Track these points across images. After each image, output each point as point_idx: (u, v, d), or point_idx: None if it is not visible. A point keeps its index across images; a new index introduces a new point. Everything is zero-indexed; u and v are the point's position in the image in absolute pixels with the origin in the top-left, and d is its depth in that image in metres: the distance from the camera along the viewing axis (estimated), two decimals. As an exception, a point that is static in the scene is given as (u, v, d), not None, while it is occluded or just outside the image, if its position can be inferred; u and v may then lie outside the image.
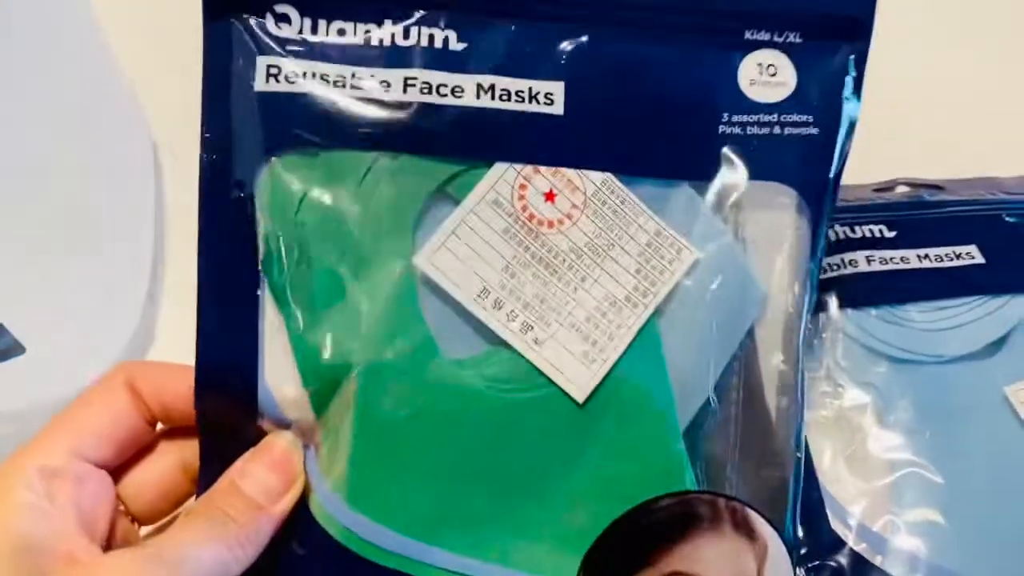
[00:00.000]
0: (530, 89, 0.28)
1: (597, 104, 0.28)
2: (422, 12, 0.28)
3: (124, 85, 0.40)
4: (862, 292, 0.37)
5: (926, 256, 0.38)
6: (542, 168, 0.28)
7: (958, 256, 0.38)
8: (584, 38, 0.28)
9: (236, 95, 0.27)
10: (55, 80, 0.34)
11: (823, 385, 0.35)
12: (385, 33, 0.28)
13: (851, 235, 0.38)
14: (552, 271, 0.28)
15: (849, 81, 0.29)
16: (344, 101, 0.27)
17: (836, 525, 0.32)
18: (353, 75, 0.27)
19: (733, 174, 0.29)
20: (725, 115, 0.29)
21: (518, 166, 0.28)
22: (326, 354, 0.27)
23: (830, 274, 0.37)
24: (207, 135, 0.27)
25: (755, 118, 0.29)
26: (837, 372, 0.36)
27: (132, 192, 0.38)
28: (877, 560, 0.32)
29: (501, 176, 0.28)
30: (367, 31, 0.28)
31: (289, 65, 0.27)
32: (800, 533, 0.31)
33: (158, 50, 0.40)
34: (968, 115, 0.48)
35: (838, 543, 0.32)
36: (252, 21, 0.27)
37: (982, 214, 0.40)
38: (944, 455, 0.34)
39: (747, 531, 0.28)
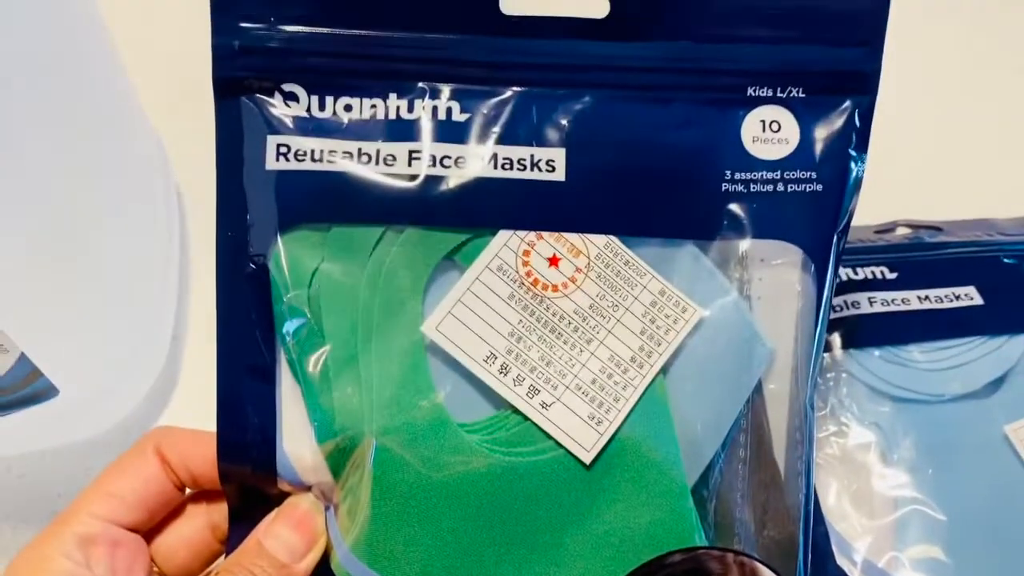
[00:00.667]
0: (532, 156, 0.29)
1: (598, 168, 0.29)
2: (425, 85, 0.29)
3: (149, 130, 0.41)
4: (865, 333, 0.38)
5: (926, 297, 0.39)
6: (545, 234, 0.29)
7: (957, 297, 0.39)
8: (583, 104, 0.29)
9: (248, 172, 0.28)
10: (83, 127, 0.35)
11: (829, 424, 0.36)
12: (390, 107, 0.29)
13: (853, 276, 0.39)
14: (557, 335, 0.29)
15: (854, 136, 0.29)
16: (352, 176, 0.28)
17: (842, 561, 0.33)
18: (360, 150, 0.28)
19: (737, 232, 0.29)
20: (728, 173, 0.29)
21: (521, 233, 0.29)
22: (340, 420, 0.28)
23: (834, 315, 0.38)
24: (222, 211, 0.28)
25: (758, 175, 0.29)
26: (841, 411, 0.37)
27: (158, 235, 0.39)
28: None
29: (505, 243, 0.29)
30: (372, 106, 0.29)
31: (298, 143, 0.28)
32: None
33: (182, 100, 0.41)
34: (965, 157, 0.50)
35: (839, 573, 0.33)
36: (262, 99, 0.28)
37: (980, 256, 0.41)
38: (946, 493, 0.35)
39: None
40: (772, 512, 0.29)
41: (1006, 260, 0.41)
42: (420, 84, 0.28)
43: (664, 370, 0.29)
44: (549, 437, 0.28)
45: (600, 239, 0.29)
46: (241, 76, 0.28)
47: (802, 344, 0.29)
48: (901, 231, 0.44)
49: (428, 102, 0.28)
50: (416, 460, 0.28)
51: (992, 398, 0.37)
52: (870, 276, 0.40)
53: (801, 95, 0.29)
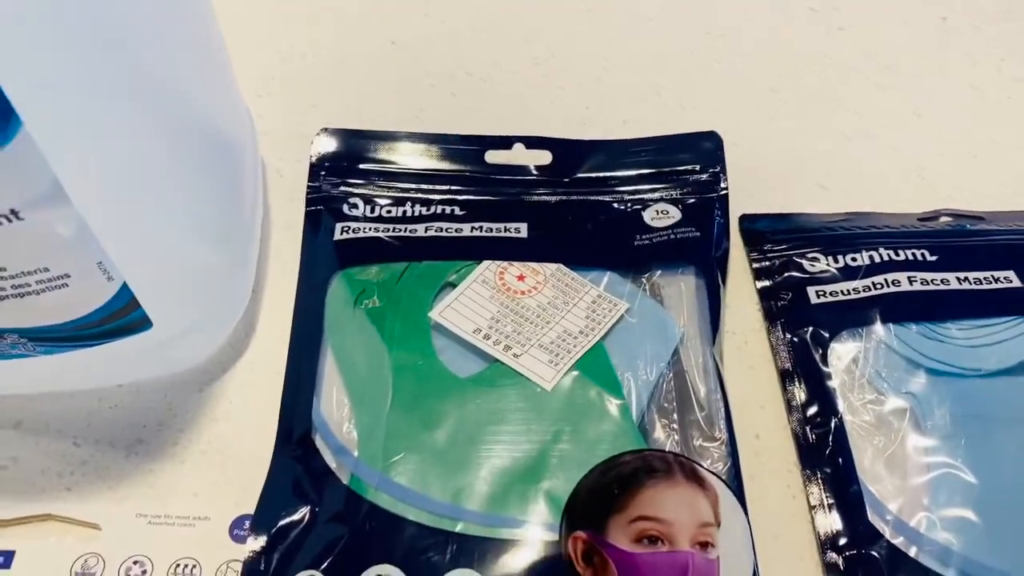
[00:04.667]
0: (504, 227, 0.44)
1: (550, 232, 0.44)
2: (439, 197, 0.45)
3: (242, 104, 0.46)
4: (904, 309, 0.41)
5: (965, 279, 0.42)
6: (515, 263, 0.43)
7: (996, 280, 0.42)
8: (541, 198, 0.45)
9: (322, 241, 0.44)
10: (188, 93, 0.37)
11: (867, 392, 0.40)
12: (416, 210, 0.45)
13: (895, 257, 0.43)
14: (525, 319, 0.41)
15: (718, 207, 0.45)
16: (388, 239, 0.43)
17: (874, 519, 0.36)
18: (393, 228, 0.44)
19: (647, 265, 0.43)
20: (637, 236, 0.44)
21: (497, 263, 0.43)
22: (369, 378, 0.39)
23: (874, 292, 0.42)
24: (304, 259, 0.43)
25: (656, 235, 0.44)
26: (878, 381, 0.40)
27: (245, 199, 0.43)
28: (912, 552, 0.35)
29: (487, 267, 0.43)
30: (403, 210, 0.45)
31: (354, 224, 0.44)
32: (839, 525, 0.36)
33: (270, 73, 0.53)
34: (1011, 151, 0.51)
35: (876, 536, 0.36)
36: (335, 207, 0.45)
37: (1020, 243, 0.44)
38: (978, 459, 0.37)
39: (698, 481, 0.36)
40: (696, 429, 0.38)
41: None
42: (435, 196, 0.45)
43: (605, 338, 0.40)
44: (520, 375, 0.39)
45: (552, 266, 0.43)
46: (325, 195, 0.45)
47: (703, 322, 0.41)
48: (944, 220, 0.46)
49: (439, 207, 0.45)
50: (419, 390, 0.39)
51: None
52: (911, 257, 0.43)
53: (680, 195, 0.45)
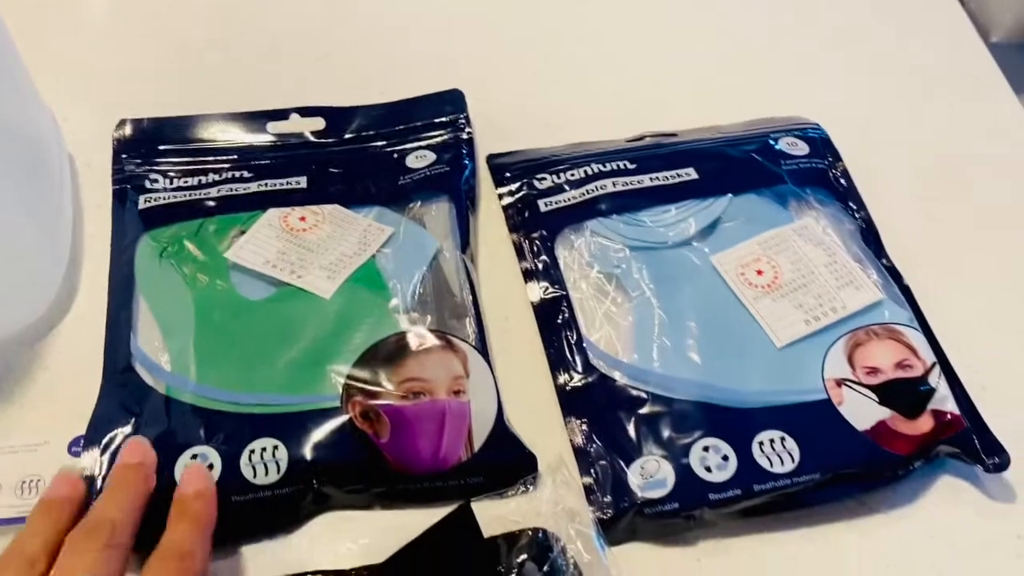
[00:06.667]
0: (287, 181, 0.53)
1: (327, 182, 0.53)
2: (229, 165, 0.53)
3: (47, 112, 0.54)
4: (610, 206, 0.51)
5: (656, 178, 0.53)
6: (296, 208, 0.51)
7: (679, 176, 0.53)
8: (318, 156, 0.54)
9: (129, 211, 0.51)
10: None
11: (585, 271, 0.49)
12: (209, 177, 0.53)
13: (603, 169, 0.53)
14: (307, 249, 0.49)
15: (464, 148, 0.55)
16: (185, 202, 0.51)
17: (595, 361, 0.46)
18: (190, 194, 0.52)
19: (410, 198, 0.52)
20: (402, 177, 0.53)
21: (281, 209, 0.51)
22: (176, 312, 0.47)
23: (588, 196, 0.52)
24: (115, 228, 0.51)
25: (416, 174, 0.53)
26: (594, 261, 0.50)
27: (55, 188, 0.51)
28: (617, 376, 0.45)
29: (272, 213, 0.51)
30: (199, 179, 0.53)
31: (155, 195, 0.52)
32: (569, 368, 0.46)
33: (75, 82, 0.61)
34: (698, 79, 0.63)
35: (593, 370, 0.46)
36: (138, 183, 0.52)
37: (700, 148, 0.55)
38: (667, 305, 0.47)
39: (450, 346, 0.45)
40: (449, 311, 0.47)
41: (720, 148, 0.55)
42: (224, 165, 0.53)
43: (376, 255, 0.49)
44: (304, 290, 0.47)
45: (329, 207, 0.51)
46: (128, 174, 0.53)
47: (455, 236, 0.51)
48: (648, 139, 0.57)
49: (227, 172, 0.53)
50: (220, 314, 0.47)
51: (706, 240, 0.50)
52: (616, 168, 0.53)
53: (432, 143, 0.55)
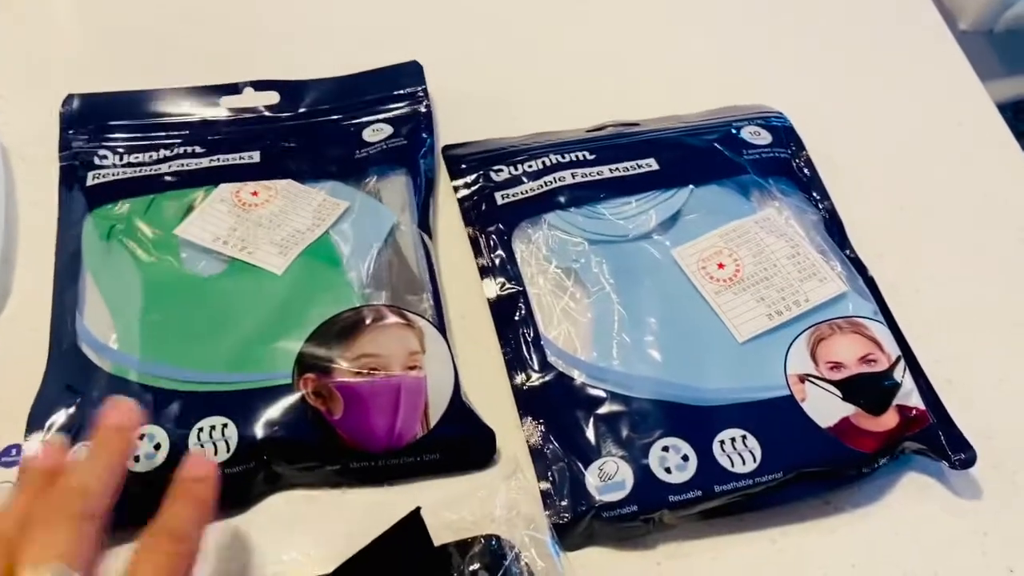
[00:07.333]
0: (239, 156, 0.51)
1: (281, 156, 0.51)
2: (181, 140, 0.52)
3: None
4: (568, 198, 0.50)
5: (616, 168, 0.51)
6: (248, 183, 0.49)
7: (640, 167, 0.51)
8: (272, 129, 0.52)
9: (76, 190, 0.49)
10: None
11: (543, 266, 0.48)
12: (160, 153, 0.51)
13: (561, 160, 0.52)
14: (259, 225, 0.48)
15: (422, 120, 0.53)
16: (135, 179, 0.49)
17: (553, 360, 0.44)
18: (140, 170, 0.50)
19: (367, 173, 0.51)
20: (358, 151, 0.52)
21: (234, 184, 0.49)
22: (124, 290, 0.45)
23: (545, 189, 0.50)
24: (62, 208, 0.49)
25: (373, 148, 0.52)
26: (551, 256, 0.48)
27: None
28: (574, 374, 0.44)
29: (224, 188, 0.49)
30: (150, 155, 0.51)
31: (104, 171, 0.50)
32: (525, 366, 0.44)
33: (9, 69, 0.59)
34: (661, 67, 0.62)
35: (551, 368, 0.44)
36: (87, 159, 0.50)
37: (661, 137, 0.54)
38: (627, 300, 0.46)
39: (405, 321, 0.44)
40: (408, 286, 0.46)
41: (681, 137, 0.53)
42: (175, 140, 0.52)
43: (330, 230, 0.47)
44: (255, 266, 0.46)
45: (283, 182, 0.50)
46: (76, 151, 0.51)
47: (412, 210, 0.49)
48: (609, 129, 0.55)
49: (179, 148, 0.51)
50: (168, 291, 0.45)
51: (667, 233, 0.49)
52: (574, 159, 0.52)
53: (390, 116, 0.54)
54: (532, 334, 0.45)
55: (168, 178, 0.50)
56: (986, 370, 0.47)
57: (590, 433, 0.42)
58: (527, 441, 0.43)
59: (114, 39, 0.62)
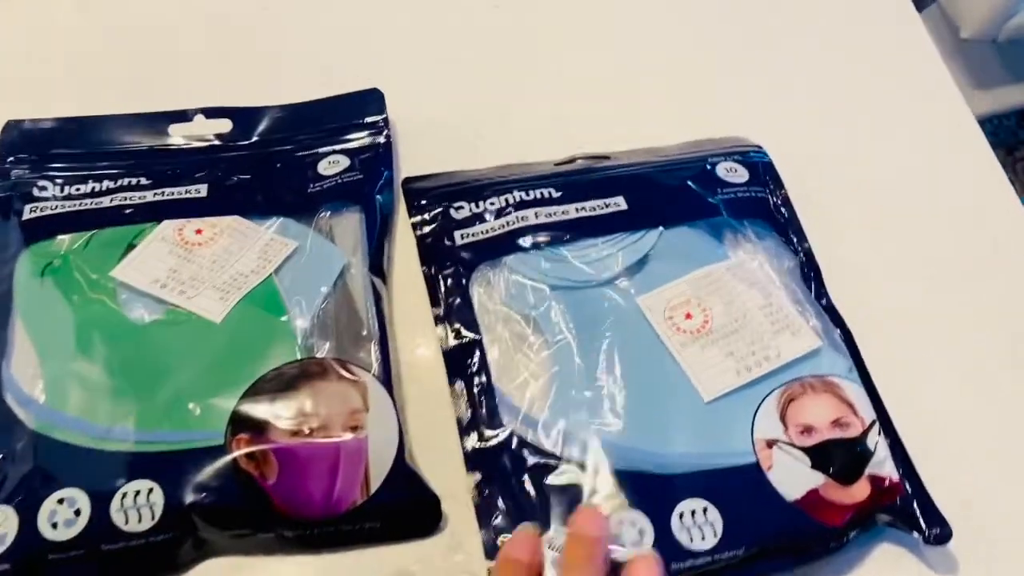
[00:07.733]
0: (185, 190, 0.48)
1: (229, 190, 0.48)
2: (125, 171, 0.49)
3: None
4: (530, 239, 0.47)
5: (583, 207, 0.48)
6: (193, 220, 0.47)
7: (608, 205, 0.48)
8: (222, 161, 0.50)
9: (12, 223, 0.46)
10: None
11: (501, 313, 0.45)
12: (103, 184, 0.48)
13: (526, 198, 0.49)
14: (201, 267, 0.45)
15: (382, 151, 0.51)
16: (74, 212, 0.47)
17: (505, 418, 0.41)
18: (80, 202, 0.47)
19: (319, 209, 0.48)
20: (312, 185, 0.49)
21: (177, 221, 0.46)
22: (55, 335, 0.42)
23: (507, 228, 0.47)
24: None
25: (327, 182, 0.49)
26: (510, 301, 0.45)
27: None
28: (528, 435, 0.41)
29: (167, 226, 0.46)
30: (92, 187, 0.48)
31: (43, 204, 0.47)
32: (476, 425, 0.41)
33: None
34: (635, 98, 0.59)
35: (502, 427, 0.41)
36: (25, 191, 0.48)
37: (632, 173, 0.51)
38: (589, 352, 0.43)
39: (349, 375, 0.42)
40: (352, 337, 0.43)
41: (653, 174, 0.50)
42: (118, 171, 0.49)
43: (276, 272, 0.45)
44: (192, 313, 0.43)
45: (229, 218, 0.47)
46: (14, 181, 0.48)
47: (362, 251, 0.47)
48: (579, 162, 0.53)
49: (124, 180, 0.48)
50: (103, 339, 0.42)
51: (633, 279, 0.46)
52: (539, 196, 0.49)
53: (347, 147, 0.51)
54: (486, 387, 0.43)
55: (108, 213, 0.47)
56: (968, 429, 0.45)
57: (535, 499, 0.39)
58: (473, 500, 0.40)
59: (58, 63, 0.59)
